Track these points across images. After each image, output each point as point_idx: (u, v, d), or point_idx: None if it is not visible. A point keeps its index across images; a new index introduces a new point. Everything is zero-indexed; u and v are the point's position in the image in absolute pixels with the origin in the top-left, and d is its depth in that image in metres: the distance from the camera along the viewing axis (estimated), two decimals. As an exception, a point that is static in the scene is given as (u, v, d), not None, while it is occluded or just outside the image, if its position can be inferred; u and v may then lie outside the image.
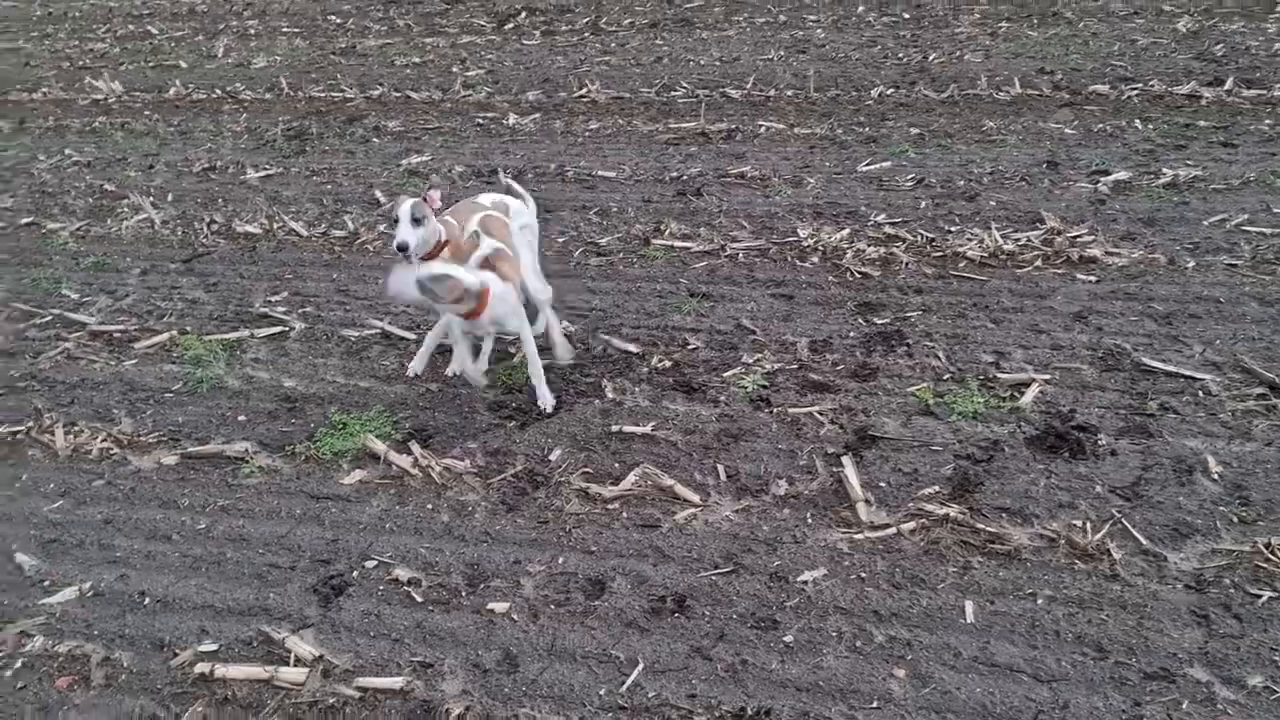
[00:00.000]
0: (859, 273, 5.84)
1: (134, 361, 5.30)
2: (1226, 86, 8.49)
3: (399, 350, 5.27)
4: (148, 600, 3.62)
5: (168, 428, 4.68)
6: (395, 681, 3.19)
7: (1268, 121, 7.72)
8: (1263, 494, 3.79)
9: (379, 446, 4.38)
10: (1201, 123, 7.80)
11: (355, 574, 3.69)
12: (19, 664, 3.36)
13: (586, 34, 12.43)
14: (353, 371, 5.09)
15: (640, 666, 3.21)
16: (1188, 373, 4.57)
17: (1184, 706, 2.96)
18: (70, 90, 11.45)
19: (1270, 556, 3.47)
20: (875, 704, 3.04)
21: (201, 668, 3.27)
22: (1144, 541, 3.60)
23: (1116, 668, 3.10)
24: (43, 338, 5.62)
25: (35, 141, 9.57)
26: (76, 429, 4.69)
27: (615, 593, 3.54)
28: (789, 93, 9.45)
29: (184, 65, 12.23)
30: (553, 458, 4.31)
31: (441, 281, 4.12)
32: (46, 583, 3.74)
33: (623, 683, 3.15)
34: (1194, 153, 7.23)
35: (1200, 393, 4.44)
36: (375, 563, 3.75)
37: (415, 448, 4.38)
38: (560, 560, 3.71)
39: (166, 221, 7.23)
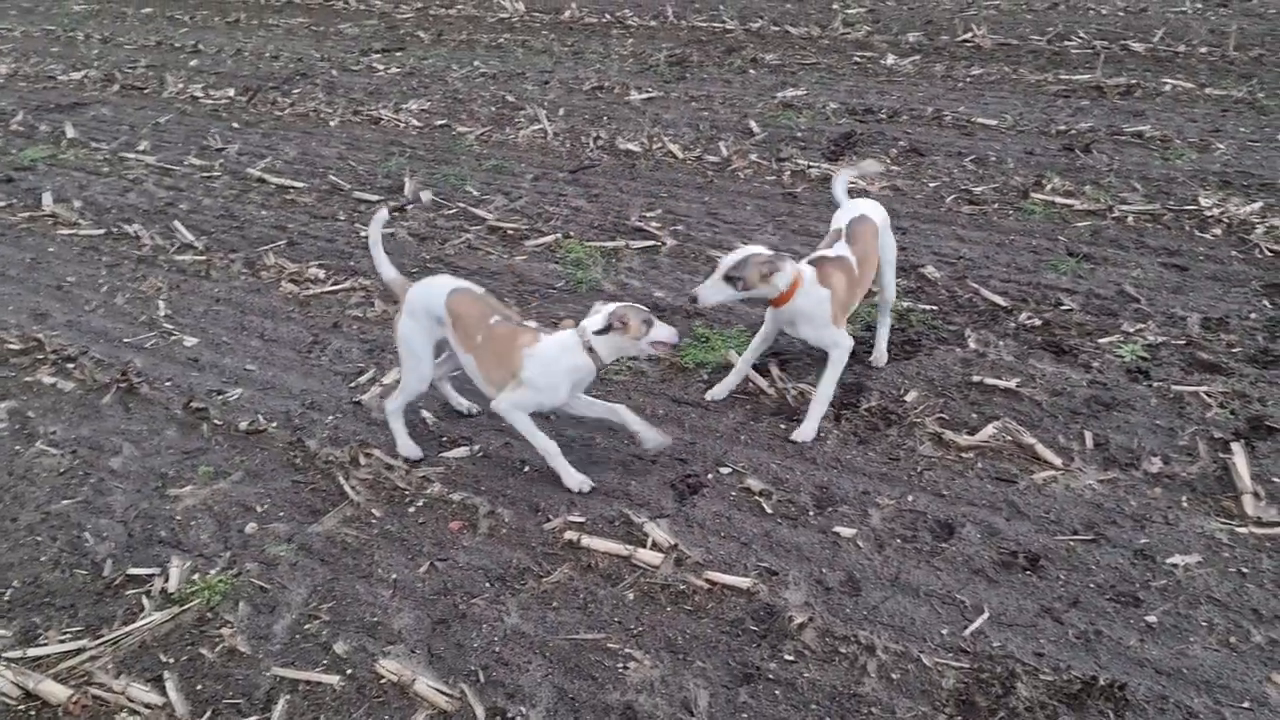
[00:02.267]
0: (1270, 250, 5.27)
1: (524, 257, 5.80)
2: None
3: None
4: (527, 469, 4.01)
5: (550, 320, 5.10)
6: (743, 581, 3.35)
7: None
8: None
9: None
10: None
11: (710, 477, 3.89)
12: (421, 503, 3.85)
13: (976, -25, 11.86)
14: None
15: (986, 614, 3.17)
16: None
17: None
18: (480, 7, 12.50)
19: None
20: (1246, 704, 2.83)
21: (570, 535, 3.59)
22: None
23: None
24: (449, 227, 6.27)
25: (450, 53, 10.56)
26: (475, 311, 5.21)
27: (964, 539, 3.50)
28: (1202, 49, 8.57)
29: (578, -11, 12.98)
30: (908, 399, 4.28)
31: (745, 264, 3.86)
32: (444, 439, 4.23)
33: (966, 626, 3.13)
34: None
35: None
36: (729, 470, 3.92)
37: (773, 369, 4.51)
38: (910, 498, 3.71)
39: (557, 134, 7.78)
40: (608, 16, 11.46)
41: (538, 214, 6.37)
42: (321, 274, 5.73)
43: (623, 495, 3.81)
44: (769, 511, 3.69)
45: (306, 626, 3.30)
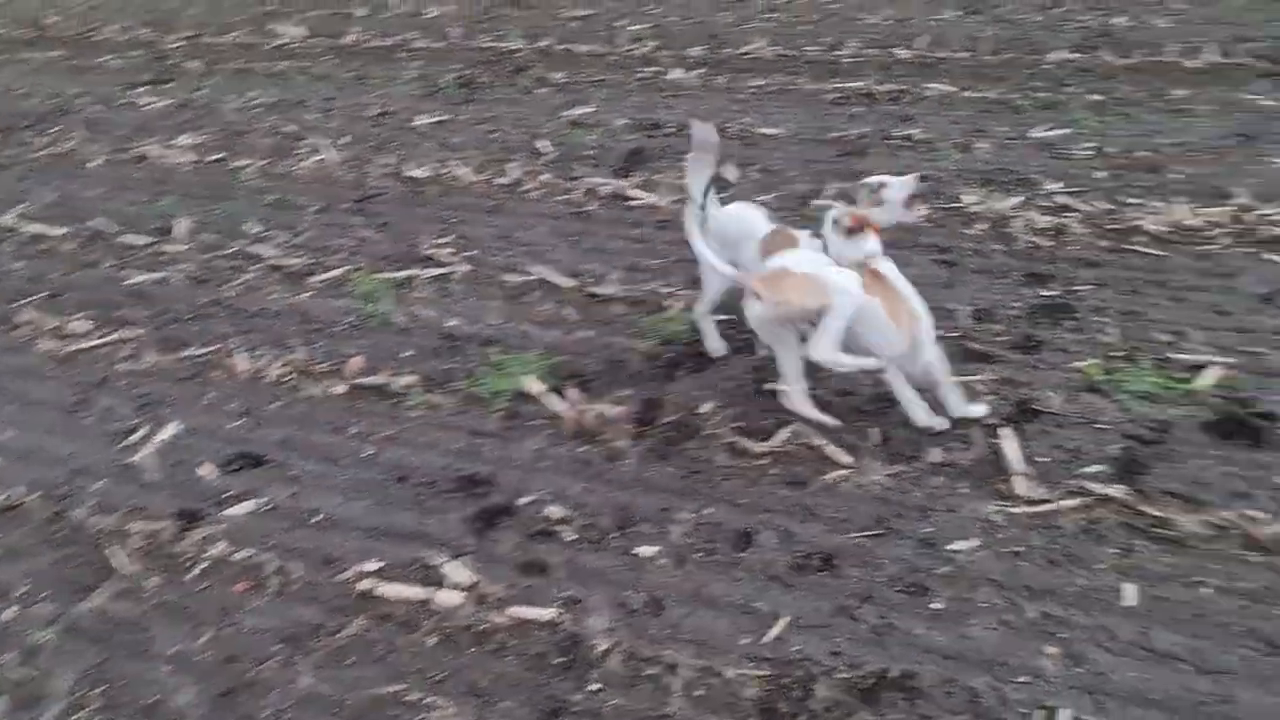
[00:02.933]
0: (1028, 242, 5.63)
1: (309, 294, 5.58)
2: None
3: (556, 297, 5.38)
4: (318, 518, 3.83)
5: (338, 359, 4.91)
6: (545, 613, 3.30)
7: None
8: None
9: (536, 388, 4.50)
10: None
11: (509, 508, 3.82)
12: (202, 567, 3.62)
13: (753, -10, 12.26)
14: (512, 315, 5.22)
15: (784, 620, 3.23)
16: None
17: (1363, 711, 2.79)
18: (257, 34, 12.01)
19: None
20: (1023, 678, 2.98)
21: (365, 585, 3.45)
22: (1328, 538, 3.39)
23: (1290, 666, 2.95)
24: (227, 268, 5.96)
25: (225, 83, 10.10)
26: (257, 355, 4.97)
27: (762, 546, 3.56)
28: (961, 54, 9.12)
29: (361, 13, 12.65)
30: (703, 410, 4.34)
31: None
32: (227, 494, 4.00)
33: (765, 634, 3.18)
34: None
35: (1403, 386, 4.13)
36: (530, 499, 3.87)
37: (571, 392, 4.48)
38: (708, 510, 3.75)
39: (342, 163, 7.54)
40: (392, 40, 11.23)
41: (323, 248, 6.15)
42: (86, 327, 5.34)
43: (419, 536, 3.70)
44: (571, 538, 3.66)
45: (75, 717, 3.03)
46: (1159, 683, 2.93)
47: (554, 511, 3.77)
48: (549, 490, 3.90)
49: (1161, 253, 5.38)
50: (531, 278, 5.58)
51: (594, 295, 5.33)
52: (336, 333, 5.15)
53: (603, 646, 3.16)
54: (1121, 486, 3.68)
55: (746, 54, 9.62)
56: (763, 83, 8.73)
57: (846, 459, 3.97)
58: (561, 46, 10.34)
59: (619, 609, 3.32)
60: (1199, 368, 4.35)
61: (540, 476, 4.00)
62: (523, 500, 3.85)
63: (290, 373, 4.80)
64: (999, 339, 4.74)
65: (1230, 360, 4.38)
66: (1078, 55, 8.79)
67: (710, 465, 4.00)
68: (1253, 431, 3.93)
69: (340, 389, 4.66)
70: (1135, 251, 5.42)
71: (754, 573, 3.45)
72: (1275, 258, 5.20)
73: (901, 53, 9.26)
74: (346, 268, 5.81)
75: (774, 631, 3.19)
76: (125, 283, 5.79)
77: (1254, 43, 8.63)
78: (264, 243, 6.25)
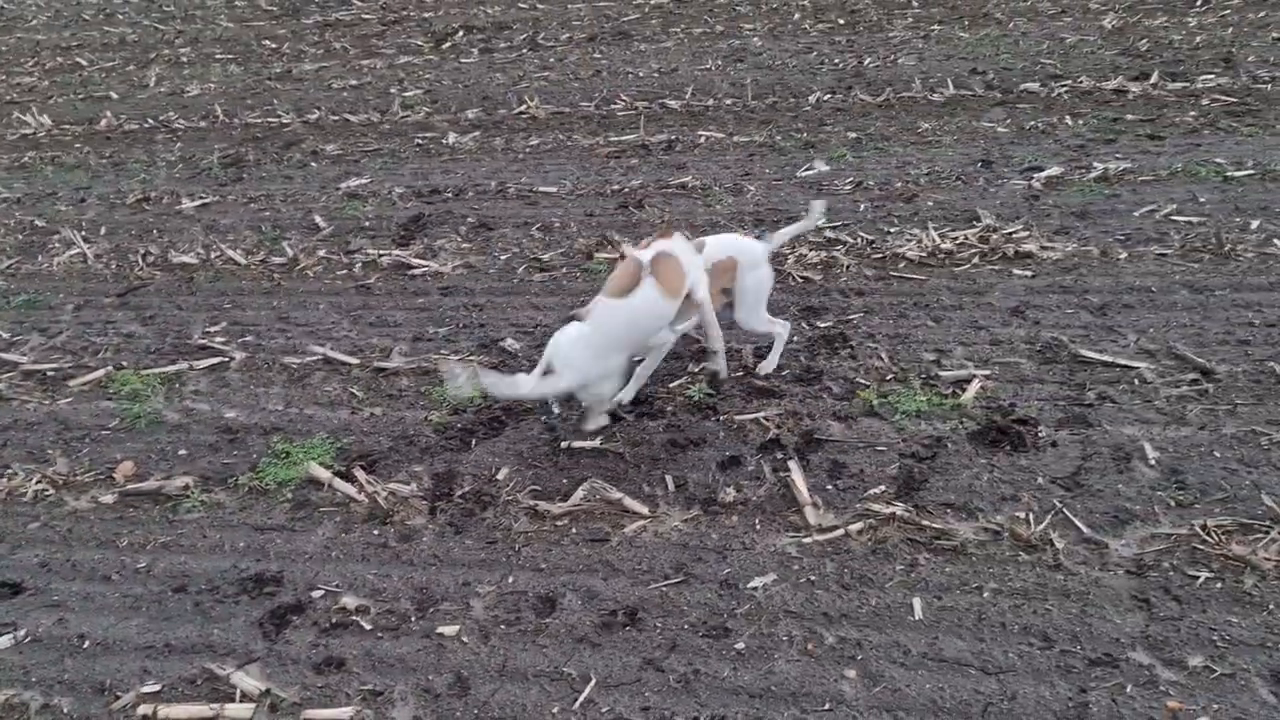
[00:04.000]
0: (801, 278, 5.88)
1: (69, 400, 5.19)
2: (1152, 80, 8.69)
3: (341, 375, 5.21)
4: (87, 644, 3.53)
5: (105, 465, 4.58)
6: (344, 712, 3.14)
7: (1192, 113, 7.90)
8: (1198, 477, 3.86)
9: (323, 474, 4.32)
10: (1129, 116, 7.97)
11: (301, 605, 3.63)
12: (-46, 716, 3.26)
13: (524, 50, 12.42)
14: (294, 399, 5.02)
15: (593, 682, 3.19)
16: (1123, 362, 4.65)
17: (1128, 690, 2.99)
18: (-2, 125, 11.22)
19: (1206, 538, 3.53)
20: (827, 705, 3.05)
21: (144, 709, 3.19)
22: (1085, 530, 3.65)
23: (1062, 656, 3.14)
24: (-26, 379, 5.48)
25: (-37, 179, 9.35)
26: (9, 472, 4.57)
27: (566, 609, 3.52)
28: (727, 101, 9.51)
29: (115, 96, 12.03)
30: (500, 476, 4.28)
31: None
32: (-18, 631, 3.63)
33: (576, 699, 3.13)
34: (1123, 146, 7.39)
35: (1136, 381, 4.52)
36: (322, 592, 3.69)
37: (360, 474, 4.33)
38: (510, 579, 3.68)
39: (100, 255, 7.10)
40: (150, 121, 10.71)
41: (83, 348, 5.74)
42: None
43: (204, 648, 3.46)
44: (368, 628, 3.50)
45: None
46: (950, 690, 3.06)
47: (349, 602, 3.61)
48: (343, 580, 3.73)
49: (921, 276, 5.73)
50: (313, 358, 5.39)
51: (380, 370, 5.20)
52: (101, 438, 4.80)
53: (408, 738, 3.03)
54: (901, 504, 3.85)
55: (521, 114, 9.71)
56: (538, 141, 8.82)
57: (643, 509, 4.00)
58: (334, 117, 10.14)
59: (424, 695, 3.20)
60: (963, 382, 4.64)
61: (333, 566, 3.82)
62: (315, 594, 3.67)
63: (49, 487, 4.43)
64: (782, 374, 4.91)
65: (988, 372, 4.69)
66: (833, 95, 9.33)
67: (510, 533, 3.94)
68: (1015, 437, 4.21)
69: (108, 499, 4.34)
70: (898, 277, 5.75)
71: (559, 637, 3.40)
72: (1019, 272, 5.62)
73: (671, 103, 9.57)
74: (109, 367, 5.44)
75: (583, 695, 3.15)
76: None
77: (986, 75, 9.40)
78: (14, 348, 5.78)
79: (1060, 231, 6.08)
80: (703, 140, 8.47)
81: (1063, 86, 8.83)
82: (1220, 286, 5.25)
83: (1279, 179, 6.52)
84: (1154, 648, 3.13)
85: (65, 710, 3.25)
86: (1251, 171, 6.66)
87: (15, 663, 3.46)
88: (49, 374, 5.45)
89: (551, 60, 11.82)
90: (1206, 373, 4.52)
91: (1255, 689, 2.98)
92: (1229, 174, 6.65)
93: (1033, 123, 8.04)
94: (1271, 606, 3.26)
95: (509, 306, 5.84)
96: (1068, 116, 8.09)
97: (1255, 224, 5.89)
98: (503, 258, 6.52)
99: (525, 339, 5.41)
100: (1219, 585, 3.37)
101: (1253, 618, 3.22)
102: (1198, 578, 3.37)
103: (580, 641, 3.38)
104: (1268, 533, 3.53)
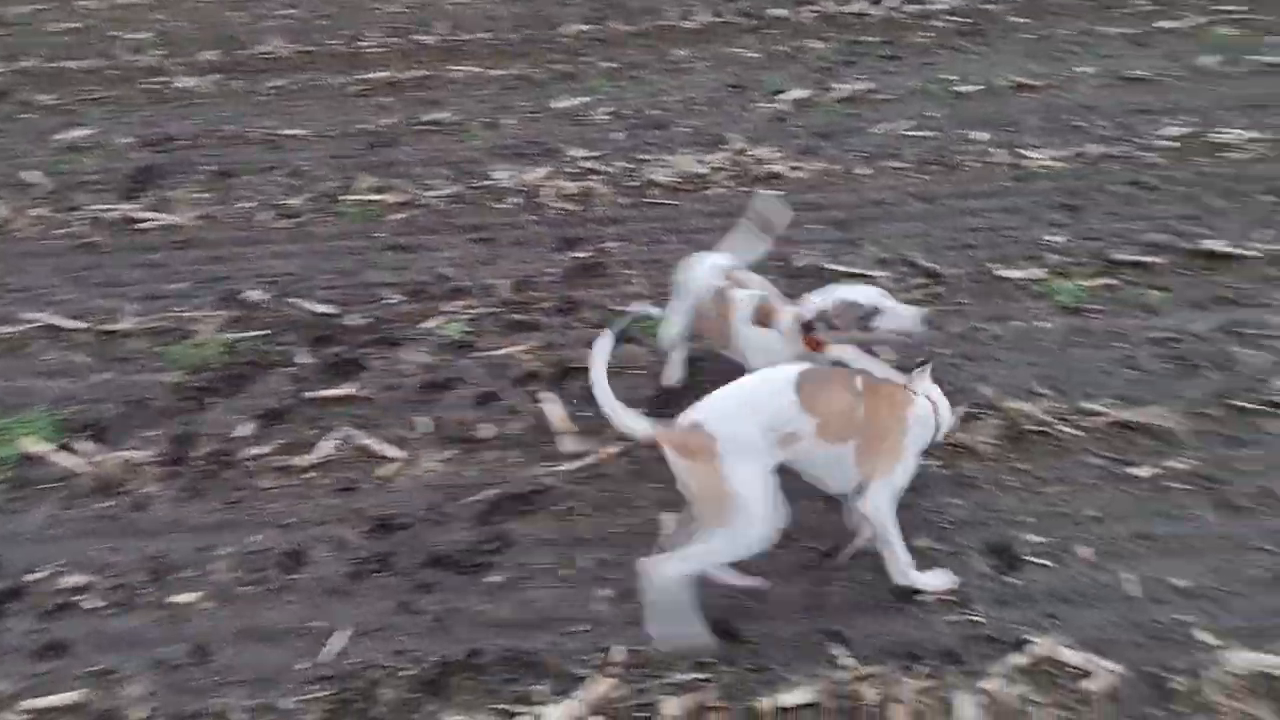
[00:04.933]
0: (558, 209, 5.82)
1: None
2: (892, 3, 9.06)
3: (64, 342, 4.78)
4: None
5: None
6: (69, 697, 2.91)
7: (927, 35, 8.30)
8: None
9: (41, 449, 3.97)
10: (869, 38, 8.28)
11: (17, 590, 3.33)
12: None
13: (267, -13, 11.67)
14: (8, 372, 4.57)
15: (341, 632, 3.08)
16: (861, 271, 4.85)
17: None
18: None
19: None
20: (583, 627, 3.06)
21: None
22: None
23: (805, 552, 3.26)
24: None
25: None
26: None
27: (315, 562, 3.39)
28: (483, 34, 9.26)
29: None
30: (242, 434, 4.05)
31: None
32: None
33: (321, 652, 3.02)
34: (864, 68, 7.68)
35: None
36: (44, 573, 3.39)
37: (85, 444, 3.99)
38: (253, 538, 3.50)
39: None
40: None
41: None
42: None
43: (-97, 650, 3.12)
44: (97, 604, 3.25)
45: None
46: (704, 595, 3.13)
47: (73, 581, 3.34)
48: (65, 559, 3.44)
49: (675, 202, 5.79)
50: (31, 325, 4.92)
51: (108, 333, 4.81)
52: None
53: (140, 715, 2.84)
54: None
55: (264, 54, 9.13)
56: (283, 83, 8.32)
57: (400, 453, 3.88)
58: (50, 65, 9.22)
59: (158, 668, 3.00)
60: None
61: (54, 546, 3.52)
62: (33, 577, 3.37)
63: None
64: (540, 306, 4.86)
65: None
66: (589, 26, 9.25)
67: (254, 491, 3.74)
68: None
69: None
70: (652, 204, 5.79)
71: (309, 591, 3.27)
72: (768, 192, 5.76)
73: (425, 38, 9.24)
74: None
75: (332, 646, 3.04)
76: None
77: (740, 2, 9.54)
78: None
79: (806, 152, 6.27)
80: (458, 75, 8.23)
81: (810, 11, 9.09)
82: (947, 195, 5.56)
83: (1000, 94, 6.96)
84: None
85: None
86: (979, 87, 7.07)
87: None
88: None
89: (296, -3, 11.16)
90: (935, 276, 4.78)
91: (972, 561, 3.20)
92: (958, 90, 7.03)
93: (781, 48, 8.24)
94: (986, 486, 3.50)
95: (253, 256, 5.51)
96: (813, 40, 8.33)
97: (978, 135, 6.26)
98: (247, 205, 6.13)
99: (270, 289, 5.13)
100: (946, 472, 3.58)
101: (970, 498, 3.45)
102: (928, 466, 3.56)
103: (330, 593, 3.25)
104: (985, 420, 3.78)
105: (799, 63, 7.87)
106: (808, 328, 3.36)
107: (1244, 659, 2.80)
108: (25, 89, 8.58)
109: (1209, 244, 4.91)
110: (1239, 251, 4.85)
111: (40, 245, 5.79)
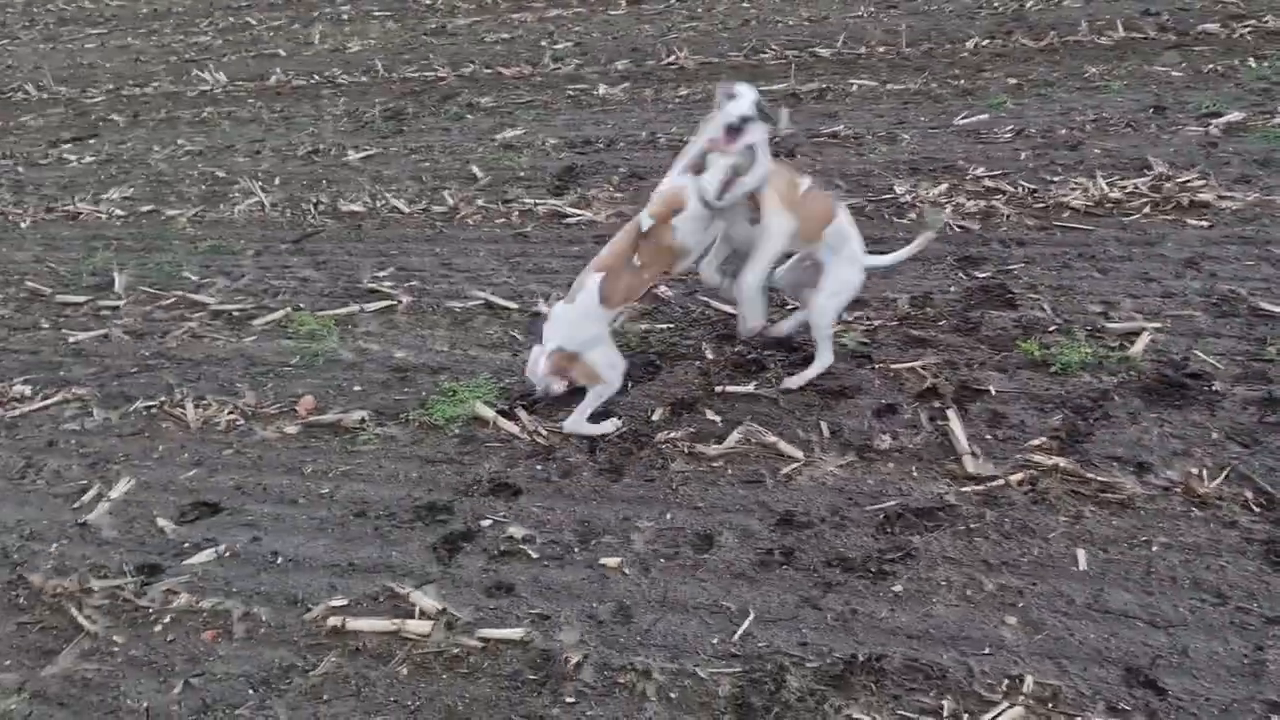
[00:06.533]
0: (959, 227, 5.76)
1: (253, 338, 5.54)
2: (1347, 18, 8.10)
3: (502, 320, 5.41)
4: (280, 560, 3.82)
5: (288, 399, 4.89)
6: (515, 632, 3.32)
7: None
8: (1391, 437, 3.67)
9: (488, 412, 4.52)
10: (1320, 57, 7.46)
11: (471, 533, 3.83)
12: (168, 619, 3.59)
13: (672, 1, 12.39)
14: (459, 341, 5.24)
15: (751, 616, 3.28)
16: (1309, 315, 4.42)
17: (1309, 650, 2.90)
18: (179, 83, 11.90)
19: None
20: (987, 650, 3.06)
21: (334, 621, 3.45)
22: (1264, 486, 3.51)
23: (1237, 613, 3.06)
24: (168, 318, 5.91)
25: (150, 134, 9.99)
26: (205, 403, 4.94)
27: (723, 546, 3.61)
28: (880, 49, 9.31)
29: (283, 53, 12.59)
30: (655, 418, 4.39)
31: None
32: (186, 544, 3.97)
33: (734, 632, 3.23)
34: (1313, 89, 6.93)
35: (1322, 335, 4.30)
36: (490, 521, 3.88)
37: (522, 413, 4.50)
38: (668, 516, 3.80)
39: (275, 204, 7.50)
40: (316, 78, 11.18)
41: (264, 290, 6.11)
42: (28, 390, 5.26)
43: (384, 568, 3.70)
44: (535, 556, 3.68)
45: (48, 783, 3.00)
46: (1116, 641, 3.02)
47: (516, 531, 3.79)
48: (509, 511, 3.92)
49: (1087, 227, 5.54)
50: (475, 303, 5.60)
51: (539, 315, 5.37)
52: (284, 374, 5.12)
53: (575, 659, 3.19)
54: (1066, 456, 3.79)
55: (671, 65, 9.72)
56: (688, 92, 8.83)
57: (799, 454, 4.04)
58: (488, 71, 10.37)
59: (589, 621, 3.35)
60: (1131, 335, 4.49)
61: (500, 500, 4.01)
62: (484, 523, 3.87)
63: (240, 418, 4.77)
64: (938, 323, 4.85)
65: (1159, 325, 4.52)
66: (992, 41, 9.02)
67: (667, 472, 4.05)
68: (1187, 391, 4.07)
69: (292, 429, 4.65)
70: (1062, 227, 5.58)
71: (718, 573, 3.50)
72: (1194, 223, 5.38)
73: (822, 51, 9.43)
74: (289, 308, 5.78)
75: (742, 628, 3.24)
76: (66, 342, 5.71)
77: (1160, 15, 8.92)
78: (203, 290, 6.20)
79: (1240, 180, 5.77)
80: (855, 89, 8.33)
81: (1245, 27, 8.31)
82: None
83: None
84: (1337, 608, 3.02)
85: (263, 618, 3.53)
86: None
87: (218, 574, 3.78)
88: (235, 314, 5.83)
89: (699, 10, 11.77)
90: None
91: None
92: None
93: (1211, 66, 7.61)
94: None
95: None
96: (1250, 59, 7.62)
97: None
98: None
99: (678, 286, 5.49)
100: None
101: None
102: None
103: (738, 578, 3.47)
104: None
105: (1233, 83, 7.24)
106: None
107: None
108: (468, 91, 9.71)
109: None
110: None
111: (481, 232, 6.57)
